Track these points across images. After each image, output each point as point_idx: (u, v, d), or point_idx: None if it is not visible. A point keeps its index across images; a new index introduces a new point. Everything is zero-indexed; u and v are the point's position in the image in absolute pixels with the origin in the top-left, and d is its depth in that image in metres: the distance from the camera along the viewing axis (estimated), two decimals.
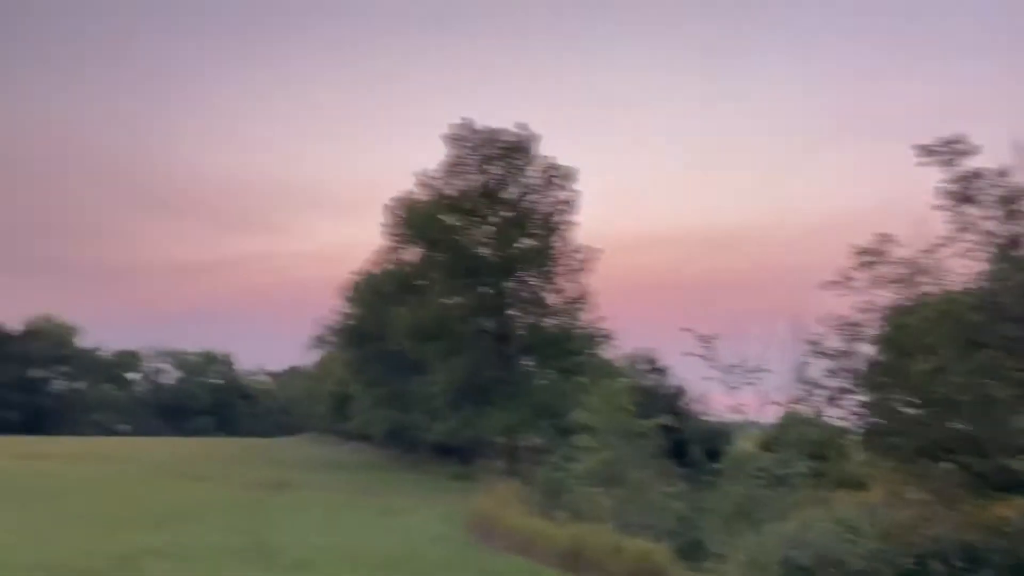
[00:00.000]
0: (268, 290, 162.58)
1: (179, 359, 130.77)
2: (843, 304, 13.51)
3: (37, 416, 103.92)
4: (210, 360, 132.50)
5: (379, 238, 40.62)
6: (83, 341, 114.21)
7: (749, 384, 16.16)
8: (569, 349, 33.03)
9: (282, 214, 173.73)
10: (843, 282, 13.42)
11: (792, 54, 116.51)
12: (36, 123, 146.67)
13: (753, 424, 20.85)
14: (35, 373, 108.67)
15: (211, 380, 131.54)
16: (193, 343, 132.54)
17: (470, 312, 35.15)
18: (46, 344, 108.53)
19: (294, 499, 24.55)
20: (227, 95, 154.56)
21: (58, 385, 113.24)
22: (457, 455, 43.98)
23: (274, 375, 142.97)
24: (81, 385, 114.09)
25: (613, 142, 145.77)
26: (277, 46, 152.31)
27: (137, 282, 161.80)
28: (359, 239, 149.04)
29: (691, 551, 14.49)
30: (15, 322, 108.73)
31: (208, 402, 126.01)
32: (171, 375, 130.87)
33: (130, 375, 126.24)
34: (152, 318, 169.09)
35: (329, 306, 56.51)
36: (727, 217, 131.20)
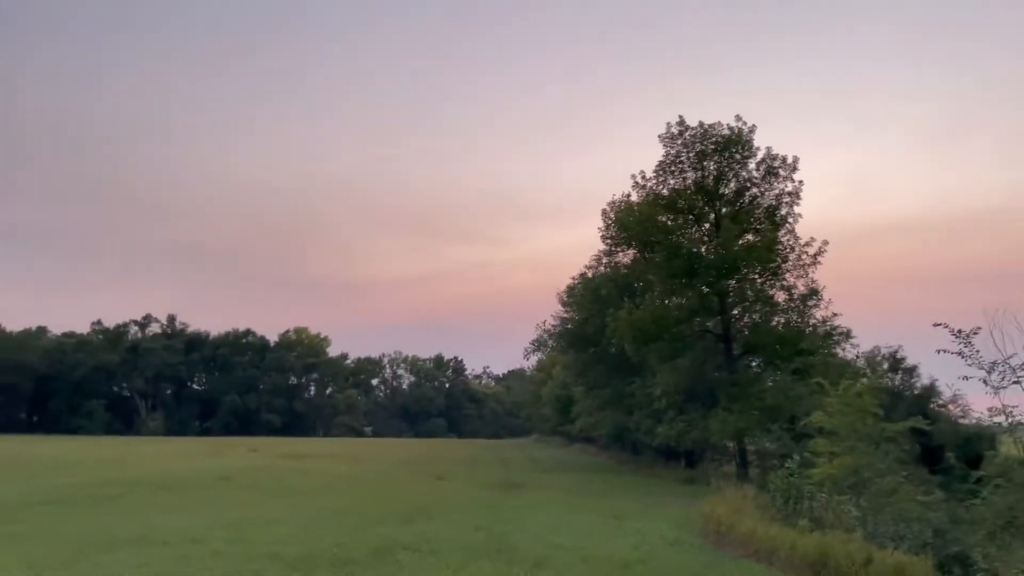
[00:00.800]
0: (489, 297, 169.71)
1: (414, 365, 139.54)
2: None
3: (294, 419, 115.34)
4: (441, 365, 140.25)
5: (594, 242, 41.08)
6: (332, 350, 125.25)
7: (1016, 383, 14.57)
8: (801, 348, 31.31)
9: (499, 225, 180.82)
10: None
11: None
12: (286, 155, 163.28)
13: (1021, 427, 18.69)
14: (293, 380, 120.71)
15: (442, 384, 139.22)
16: (425, 349, 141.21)
17: (690, 313, 34.43)
18: (301, 353, 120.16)
19: (527, 499, 25.27)
20: (448, 116, 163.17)
21: (312, 391, 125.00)
22: (683, 458, 43.29)
23: (498, 379, 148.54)
24: (331, 390, 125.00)
25: (841, 128, 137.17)
26: (493, 63, 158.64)
27: (373, 294, 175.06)
28: (574, 245, 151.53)
29: (951, 566, 13.31)
30: (273, 334, 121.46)
31: (440, 405, 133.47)
32: (407, 380, 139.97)
33: (372, 381, 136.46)
34: (388, 327, 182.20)
35: (548, 310, 57.89)
36: (972, 200, 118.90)
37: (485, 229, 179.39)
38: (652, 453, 47.26)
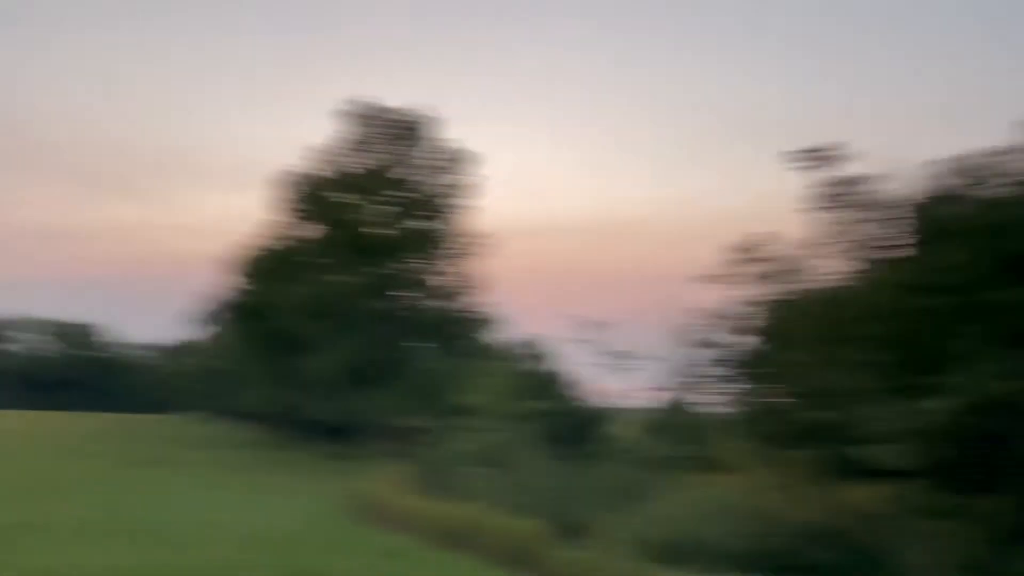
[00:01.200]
0: (150, 261, 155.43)
1: (48, 329, 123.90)
2: (723, 297, 14.29)
3: None
4: (82, 331, 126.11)
5: (262, 212, 39.54)
6: None
7: (629, 371, 16.90)
8: (451, 332, 33.22)
9: (167, 184, 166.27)
10: (721, 277, 14.09)
11: (702, 49, 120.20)
12: None
13: (632, 409, 21.68)
14: None
15: (84, 352, 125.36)
16: (63, 313, 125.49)
17: (358, 292, 34.84)
18: None
19: (168, 476, 24.01)
20: (109, 53, 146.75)
21: None
22: (344, 435, 43.63)
23: (151, 349, 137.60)
24: None
25: (525, 125, 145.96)
26: (161, 4, 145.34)
27: (6, 246, 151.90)
28: (247, 214, 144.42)
29: (570, 530, 15.02)
30: None
31: (81, 375, 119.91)
32: (39, 345, 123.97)
33: None
34: (20, 285, 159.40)
35: (211, 280, 54.59)
36: (629, 207, 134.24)
37: (150, 187, 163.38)
38: (313, 429, 46.97)
